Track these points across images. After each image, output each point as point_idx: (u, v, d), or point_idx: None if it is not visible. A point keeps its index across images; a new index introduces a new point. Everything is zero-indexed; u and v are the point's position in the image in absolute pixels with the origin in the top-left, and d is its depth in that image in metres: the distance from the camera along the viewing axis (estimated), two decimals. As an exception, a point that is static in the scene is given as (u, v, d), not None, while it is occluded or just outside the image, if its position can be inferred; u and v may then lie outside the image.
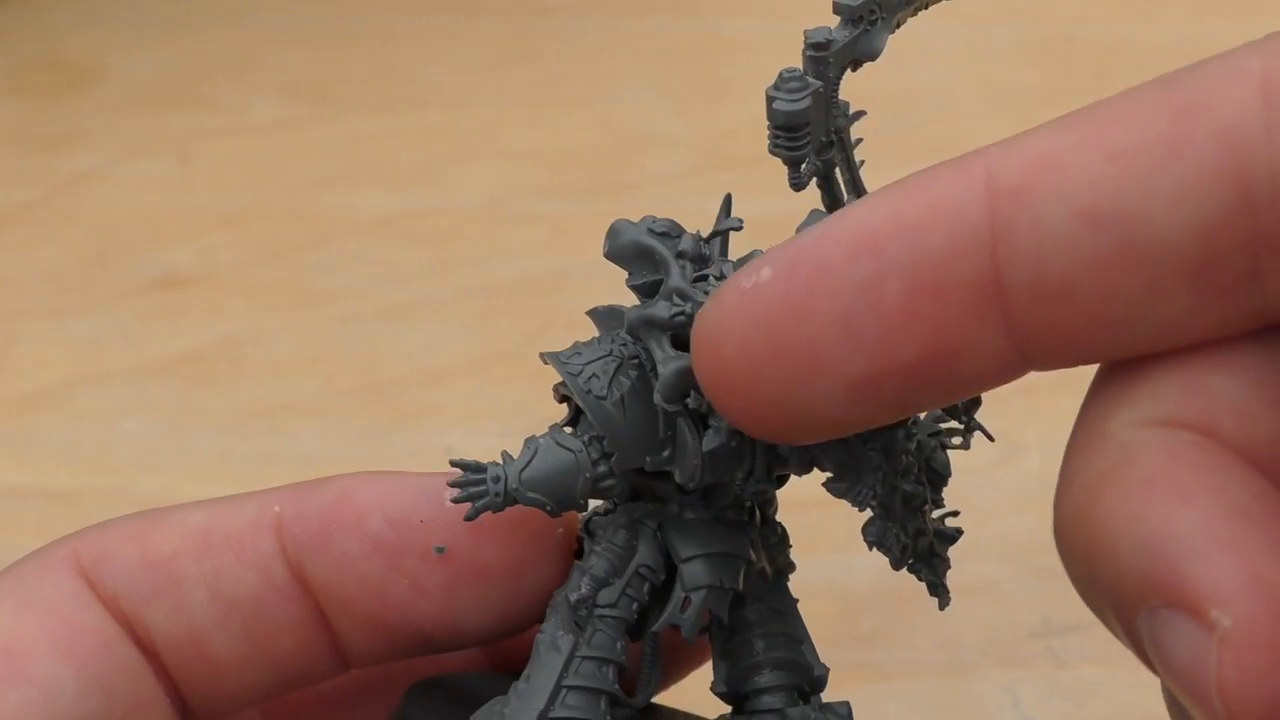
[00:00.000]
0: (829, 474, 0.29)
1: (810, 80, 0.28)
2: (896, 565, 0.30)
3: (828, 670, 0.31)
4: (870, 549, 0.29)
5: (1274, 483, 0.24)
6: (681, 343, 0.28)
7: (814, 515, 0.50)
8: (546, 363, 0.30)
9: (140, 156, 0.65)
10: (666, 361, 0.28)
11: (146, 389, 0.56)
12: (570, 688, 0.29)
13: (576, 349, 0.30)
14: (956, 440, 0.31)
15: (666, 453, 0.29)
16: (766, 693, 0.31)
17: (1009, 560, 0.49)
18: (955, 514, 0.31)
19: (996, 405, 0.54)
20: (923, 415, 0.30)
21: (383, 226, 0.61)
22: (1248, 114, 0.23)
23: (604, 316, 0.31)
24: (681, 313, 0.28)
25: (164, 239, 0.61)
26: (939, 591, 0.31)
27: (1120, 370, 0.25)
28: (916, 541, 0.30)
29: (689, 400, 0.28)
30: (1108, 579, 0.23)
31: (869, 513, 0.30)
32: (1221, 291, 0.24)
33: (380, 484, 0.31)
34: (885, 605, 0.47)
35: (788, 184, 0.29)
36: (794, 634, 0.31)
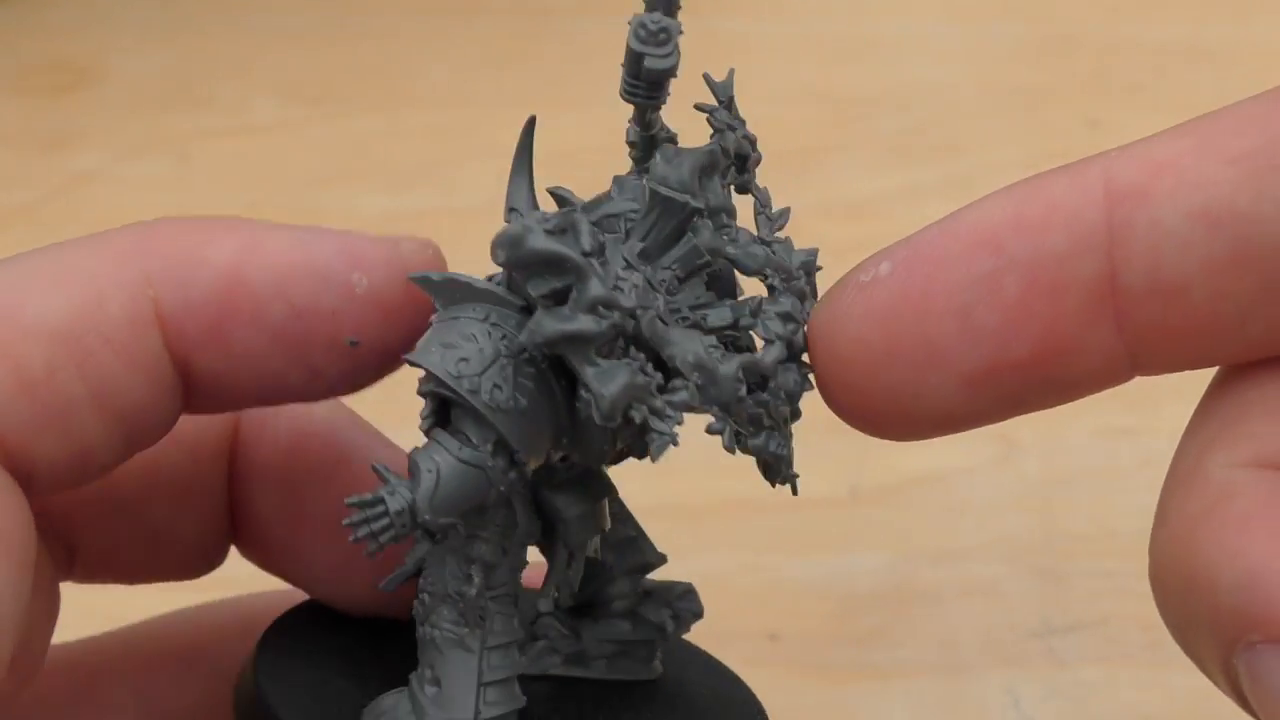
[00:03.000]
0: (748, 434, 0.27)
1: (671, 24, 0.27)
2: (791, 481, 0.29)
3: (665, 558, 0.31)
4: (774, 486, 0.28)
5: None
6: (602, 351, 0.27)
7: (814, 515, 0.50)
8: (415, 366, 0.27)
9: (140, 156, 0.65)
10: (603, 379, 0.26)
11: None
12: (488, 684, 0.29)
13: (456, 351, 0.27)
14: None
15: (566, 439, 0.28)
16: (618, 599, 0.31)
17: (1009, 560, 0.49)
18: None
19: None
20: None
21: (383, 226, 0.61)
22: None
23: (442, 287, 0.28)
24: (612, 323, 0.26)
25: (164, 239, 0.61)
26: (794, 480, 0.29)
27: (1216, 411, 0.25)
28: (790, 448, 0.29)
29: (632, 414, 0.26)
30: (1205, 616, 0.24)
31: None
32: None
33: (272, 259, 0.28)
34: (885, 605, 0.47)
35: (632, 129, 0.29)
36: (631, 533, 0.31)
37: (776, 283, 0.28)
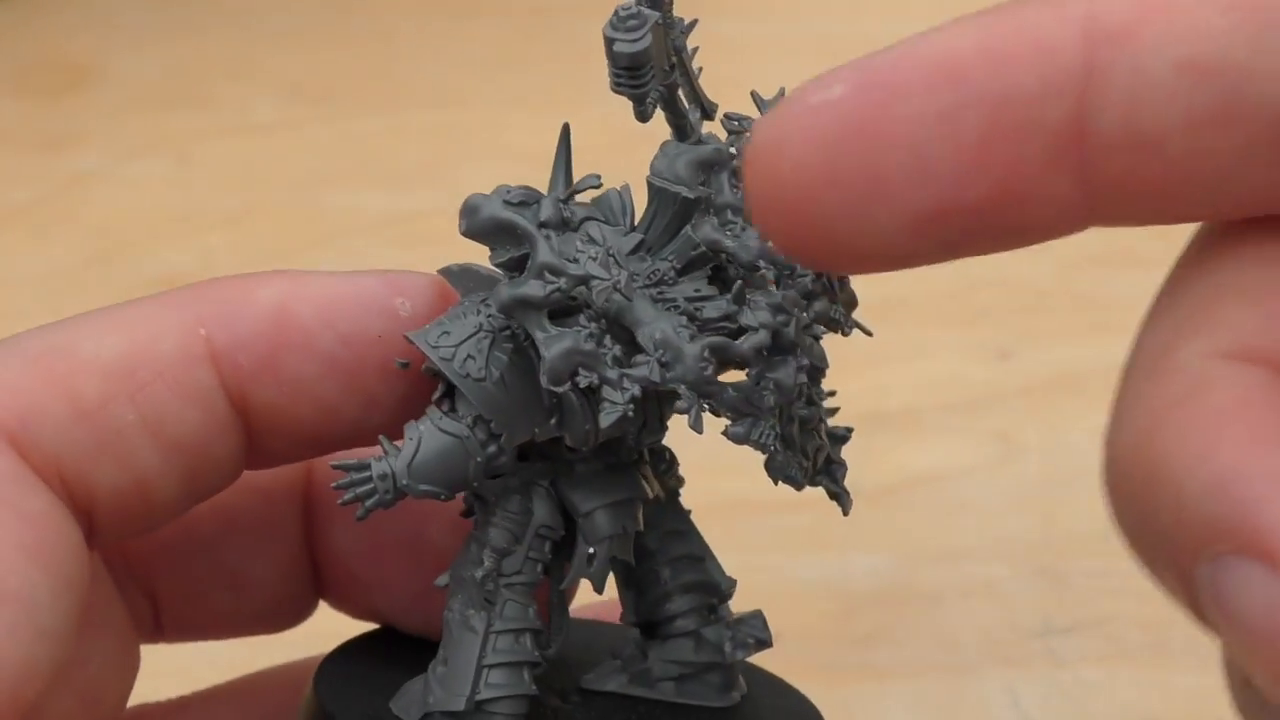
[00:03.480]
0: (728, 421, 0.28)
1: (647, 12, 0.28)
2: (800, 487, 0.29)
3: (734, 582, 0.31)
4: (776, 484, 0.29)
5: None
6: (555, 316, 0.28)
7: (814, 515, 0.50)
8: (414, 344, 0.29)
9: (140, 156, 0.65)
10: (549, 343, 0.27)
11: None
12: (491, 666, 0.29)
13: (443, 327, 0.29)
14: (826, 330, 0.29)
15: (554, 420, 0.28)
16: (679, 617, 0.31)
17: (1009, 560, 0.49)
18: (835, 399, 0.30)
19: (997, 405, 0.54)
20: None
21: (383, 226, 0.61)
22: None
23: (459, 277, 0.29)
24: (557, 289, 0.27)
25: (164, 239, 0.61)
26: (841, 499, 0.30)
27: (1188, 294, 0.23)
28: (816, 458, 0.29)
29: (578, 379, 0.27)
30: (1167, 522, 0.22)
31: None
32: None
33: (317, 293, 0.29)
34: (885, 605, 0.47)
35: (634, 117, 0.29)
36: (695, 553, 0.31)
37: (771, 275, 0.28)
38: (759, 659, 0.32)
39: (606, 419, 0.27)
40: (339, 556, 0.33)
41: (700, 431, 0.27)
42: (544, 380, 0.27)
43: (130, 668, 0.32)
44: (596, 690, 0.31)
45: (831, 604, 0.47)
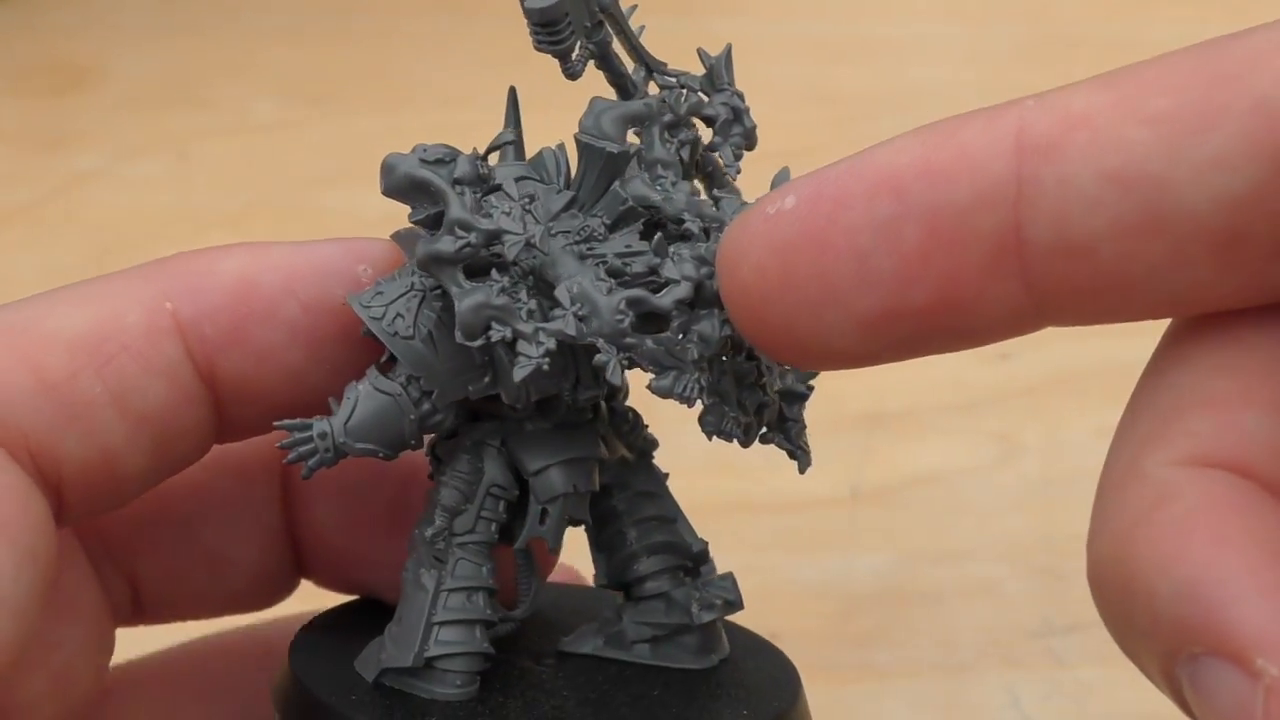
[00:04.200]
0: (652, 375, 0.28)
1: None
2: (745, 444, 0.29)
3: (706, 544, 0.31)
4: (711, 439, 0.28)
5: None
6: (475, 273, 0.28)
7: (814, 515, 0.50)
8: (350, 307, 0.29)
9: (140, 156, 0.65)
10: (461, 297, 0.28)
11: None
12: (442, 623, 0.29)
13: (379, 288, 0.29)
14: None
15: (488, 378, 0.29)
16: (649, 579, 0.31)
17: (1009, 560, 0.49)
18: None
19: (997, 405, 0.54)
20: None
21: (384, 226, 0.61)
22: None
23: (406, 240, 0.30)
24: (467, 244, 0.28)
25: (164, 239, 0.61)
26: (798, 457, 0.30)
27: (1150, 406, 0.25)
28: (761, 415, 0.29)
29: (490, 333, 0.28)
30: (1145, 624, 0.23)
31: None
32: (1245, 263, 0.23)
33: (279, 263, 0.30)
34: (885, 605, 0.47)
35: (563, 76, 0.29)
36: (665, 514, 0.31)
37: (696, 228, 0.28)
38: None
39: (519, 372, 0.27)
40: (319, 531, 0.33)
41: (618, 385, 0.28)
42: (458, 335, 0.28)
43: (104, 652, 0.32)
44: (572, 653, 0.31)
45: (831, 604, 0.47)
